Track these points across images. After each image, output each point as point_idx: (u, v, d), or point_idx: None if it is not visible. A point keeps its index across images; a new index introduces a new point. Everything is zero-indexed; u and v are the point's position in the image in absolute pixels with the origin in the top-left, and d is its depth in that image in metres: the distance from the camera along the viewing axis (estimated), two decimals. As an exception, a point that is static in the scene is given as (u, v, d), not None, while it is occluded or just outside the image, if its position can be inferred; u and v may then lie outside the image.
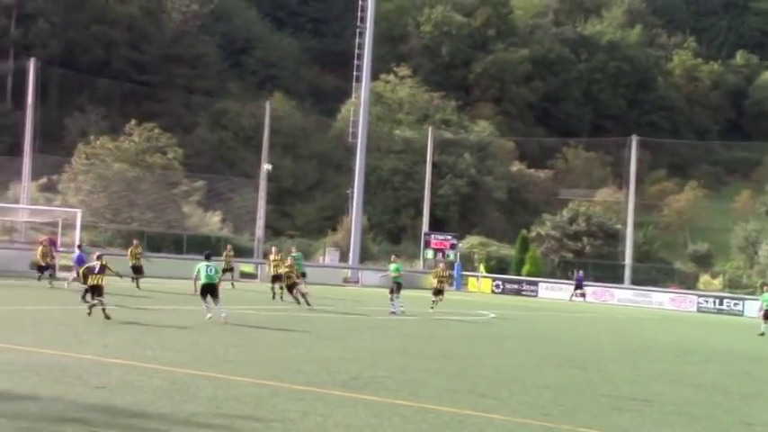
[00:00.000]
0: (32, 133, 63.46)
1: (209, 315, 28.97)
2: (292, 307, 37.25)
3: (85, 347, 20.51)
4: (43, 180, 74.70)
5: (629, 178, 79.45)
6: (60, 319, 26.82)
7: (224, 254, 49.83)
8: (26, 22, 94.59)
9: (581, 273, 68.78)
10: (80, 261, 33.90)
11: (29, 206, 62.59)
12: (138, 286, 41.29)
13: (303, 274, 48.17)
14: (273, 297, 40.32)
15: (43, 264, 40.56)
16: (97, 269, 28.47)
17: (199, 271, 29.97)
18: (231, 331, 26.90)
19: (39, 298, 34.05)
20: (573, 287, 67.12)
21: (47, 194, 75.07)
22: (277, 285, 40.76)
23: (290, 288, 37.31)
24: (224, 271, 41.73)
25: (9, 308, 28.06)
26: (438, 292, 41.86)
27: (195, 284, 29.67)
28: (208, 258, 30.43)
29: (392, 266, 39.04)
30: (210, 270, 29.68)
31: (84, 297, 30.27)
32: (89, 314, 27.77)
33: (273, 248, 46.35)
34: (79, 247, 36.33)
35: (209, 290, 29.38)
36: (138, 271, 42.63)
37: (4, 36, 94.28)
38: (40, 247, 41.55)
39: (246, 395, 15.57)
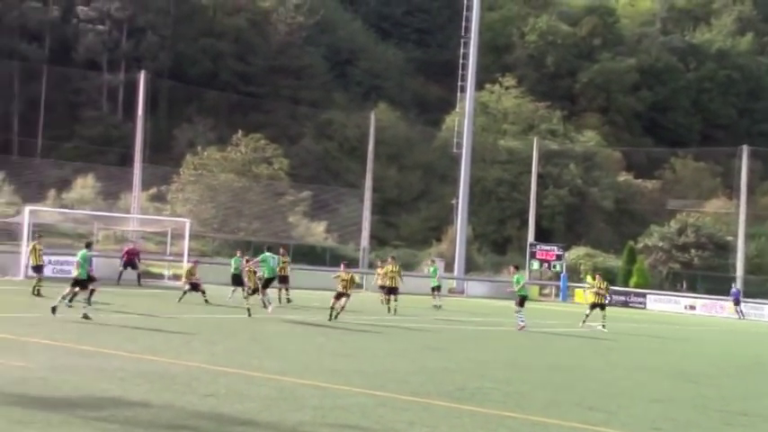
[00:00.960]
0: (142, 144, 64.66)
1: (270, 308, 32.12)
2: (399, 318, 37.30)
3: (194, 355, 20.76)
4: (153, 190, 76.01)
5: (740, 189, 77.91)
6: (170, 327, 27.21)
7: (383, 268, 44.14)
8: (137, 35, 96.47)
9: (736, 288, 67.04)
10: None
11: (139, 216, 63.73)
12: (288, 299, 40.33)
13: (438, 288, 48.18)
14: (389, 310, 40.03)
15: (191, 282, 38.70)
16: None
17: (266, 261, 31.93)
18: (337, 341, 27.02)
19: (148, 305, 34.61)
20: (732, 303, 65.56)
21: (156, 204, 76.35)
22: (392, 297, 40.56)
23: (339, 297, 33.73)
24: (392, 290, 40.65)
25: (121, 315, 28.57)
26: (595, 306, 39.87)
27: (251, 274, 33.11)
28: (269, 250, 32.65)
29: (514, 278, 36.72)
30: (274, 263, 32.82)
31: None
32: (249, 315, 31.27)
33: (390, 258, 45.28)
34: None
35: (273, 282, 32.68)
36: (284, 281, 40.96)
37: (116, 49, 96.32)
38: (189, 266, 40.21)
39: (353, 405, 15.58)
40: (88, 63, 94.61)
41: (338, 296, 33.04)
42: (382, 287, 42.54)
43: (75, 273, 28.29)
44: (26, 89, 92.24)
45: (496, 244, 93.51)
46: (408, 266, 67.93)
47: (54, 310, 27.13)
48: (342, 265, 34.54)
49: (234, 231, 76.22)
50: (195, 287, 37.89)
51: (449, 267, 75.50)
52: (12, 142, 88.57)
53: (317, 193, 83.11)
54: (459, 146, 78.81)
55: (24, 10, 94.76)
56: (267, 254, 33.77)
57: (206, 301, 37.03)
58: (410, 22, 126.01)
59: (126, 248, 49.72)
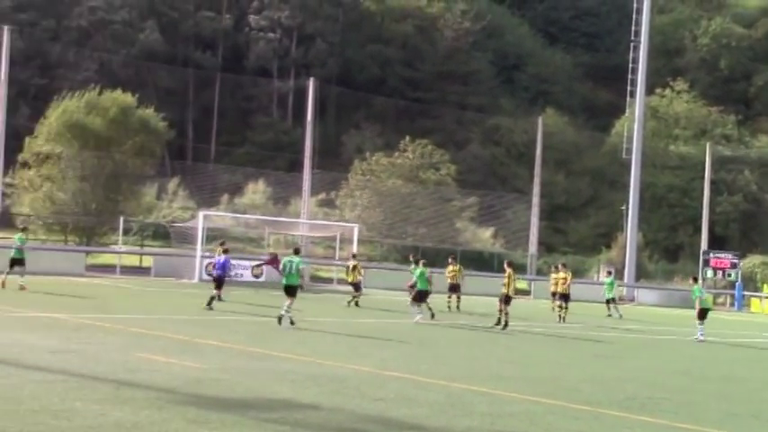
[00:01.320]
0: (312, 150, 65.66)
1: (419, 317, 32.22)
2: (568, 326, 36.90)
3: (363, 359, 20.90)
4: (322, 195, 77.01)
5: None
6: (338, 330, 27.50)
7: (556, 274, 43.11)
8: (306, 42, 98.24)
9: None
10: (223, 267, 33.62)
11: (309, 221, 64.69)
12: (457, 306, 40.27)
13: (613, 299, 47.41)
14: (559, 319, 39.35)
15: (355, 282, 39.07)
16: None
17: (422, 275, 32.37)
18: (505, 347, 26.87)
19: (316, 309, 35.07)
20: None
21: (325, 209, 77.31)
22: (562, 304, 39.96)
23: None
24: (563, 296, 40.26)
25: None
26: None
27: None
28: (424, 265, 33.86)
29: (695, 289, 35.18)
30: (426, 275, 33.43)
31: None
32: (433, 317, 33.10)
33: (561, 264, 44.50)
34: (225, 250, 35.00)
35: (428, 295, 33.38)
36: (455, 289, 41.11)
37: (286, 56, 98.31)
38: (353, 264, 40.03)
39: (521, 412, 15.41)
40: (259, 70, 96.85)
41: (504, 300, 32.70)
42: (553, 294, 42.09)
43: (284, 281, 28.56)
44: (200, 96, 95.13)
45: (668, 251, 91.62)
46: (577, 273, 67.04)
47: (292, 322, 27.13)
48: (505, 264, 34.51)
49: (401, 237, 76.64)
50: (357, 287, 38.39)
51: (619, 274, 74.29)
52: (186, 148, 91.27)
53: (485, 199, 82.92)
54: (629, 151, 77.55)
55: (199, 19, 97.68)
56: (422, 268, 33.83)
57: (356, 303, 37.61)
58: (578, 26, 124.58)
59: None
